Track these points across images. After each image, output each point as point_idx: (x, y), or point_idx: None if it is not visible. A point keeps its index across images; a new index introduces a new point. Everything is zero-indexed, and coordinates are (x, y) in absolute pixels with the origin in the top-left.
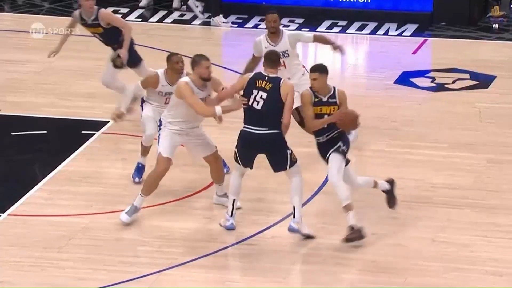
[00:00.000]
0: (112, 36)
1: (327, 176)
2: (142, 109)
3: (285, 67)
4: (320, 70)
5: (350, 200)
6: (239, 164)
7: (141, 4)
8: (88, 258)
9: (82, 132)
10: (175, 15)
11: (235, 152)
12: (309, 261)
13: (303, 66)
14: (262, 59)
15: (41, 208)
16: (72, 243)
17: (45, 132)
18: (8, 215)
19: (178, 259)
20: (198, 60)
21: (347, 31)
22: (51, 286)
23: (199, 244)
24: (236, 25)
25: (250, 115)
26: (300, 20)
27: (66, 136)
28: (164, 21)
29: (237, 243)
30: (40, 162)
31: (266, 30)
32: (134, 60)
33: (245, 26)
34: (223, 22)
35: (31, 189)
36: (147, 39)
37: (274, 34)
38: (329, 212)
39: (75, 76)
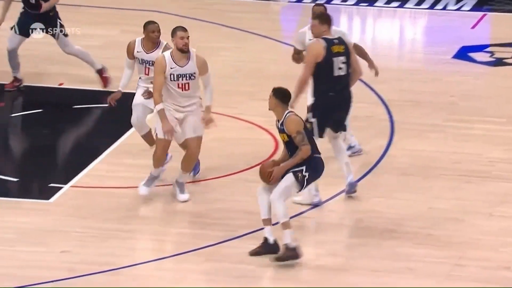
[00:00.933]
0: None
1: (383, 152)
2: None
3: None
4: (273, 91)
5: (288, 217)
6: (317, 135)
7: None
8: (148, 230)
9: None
10: None
11: (313, 123)
12: (365, 234)
13: None
14: (320, 23)
15: (103, 180)
16: (132, 214)
17: (107, 105)
18: (71, 186)
19: (236, 231)
20: (175, 30)
21: (405, 6)
22: (111, 256)
23: (257, 217)
24: (294, 0)
25: (335, 82)
26: None
27: (128, 109)
28: None
29: (295, 215)
30: (102, 135)
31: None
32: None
33: (303, 1)
34: None
35: (93, 161)
36: (206, 14)
37: None
38: (384, 186)
39: None
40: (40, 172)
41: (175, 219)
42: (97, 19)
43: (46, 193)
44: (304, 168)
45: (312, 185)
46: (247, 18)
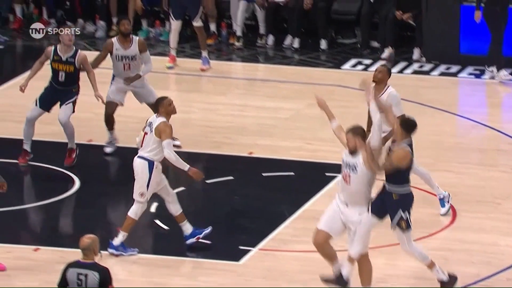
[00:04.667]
0: (75, 77)
1: None
2: None
3: None
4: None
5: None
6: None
7: (383, 56)
8: None
9: (326, 174)
10: (415, 66)
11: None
12: None
13: None
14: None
15: (288, 244)
16: (316, 278)
17: (293, 173)
18: (259, 249)
19: None
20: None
21: None
22: None
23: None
24: (473, 76)
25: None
26: None
27: (312, 177)
28: (404, 72)
29: (473, 283)
30: (288, 201)
31: None
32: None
33: (482, 77)
34: (504, 75)
35: (279, 226)
36: None
37: (377, 84)
38: None
39: (320, 123)
40: (230, 235)
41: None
42: (284, 92)
43: (236, 255)
44: (400, 212)
45: None
46: (426, 93)
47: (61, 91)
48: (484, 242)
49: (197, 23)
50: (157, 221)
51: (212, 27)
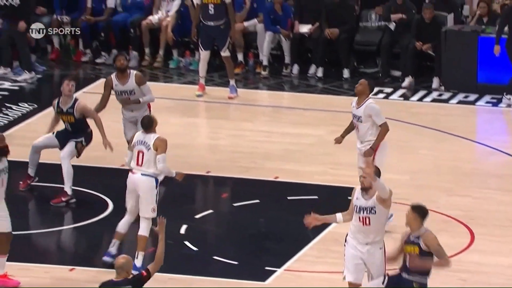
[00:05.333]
0: (78, 126)
1: None
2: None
3: (358, 131)
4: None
5: None
6: None
7: (404, 84)
8: None
9: (349, 198)
10: (434, 94)
11: None
12: None
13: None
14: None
15: (312, 265)
16: None
17: (317, 197)
18: (284, 270)
19: None
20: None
21: None
22: None
23: None
24: (490, 104)
25: None
26: None
27: (335, 201)
28: (424, 100)
29: None
30: None
31: None
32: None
33: (499, 105)
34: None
35: (304, 247)
36: (408, 116)
37: (358, 96)
38: None
39: (343, 148)
40: (256, 256)
41: None
42: (308, 119)
43: (262, 276)
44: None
45: None
46: (444, 120)
47: (73, 132)
48: (501, 265)
49: (225, 53)
50: (187, 243)
51: (240, 57)
